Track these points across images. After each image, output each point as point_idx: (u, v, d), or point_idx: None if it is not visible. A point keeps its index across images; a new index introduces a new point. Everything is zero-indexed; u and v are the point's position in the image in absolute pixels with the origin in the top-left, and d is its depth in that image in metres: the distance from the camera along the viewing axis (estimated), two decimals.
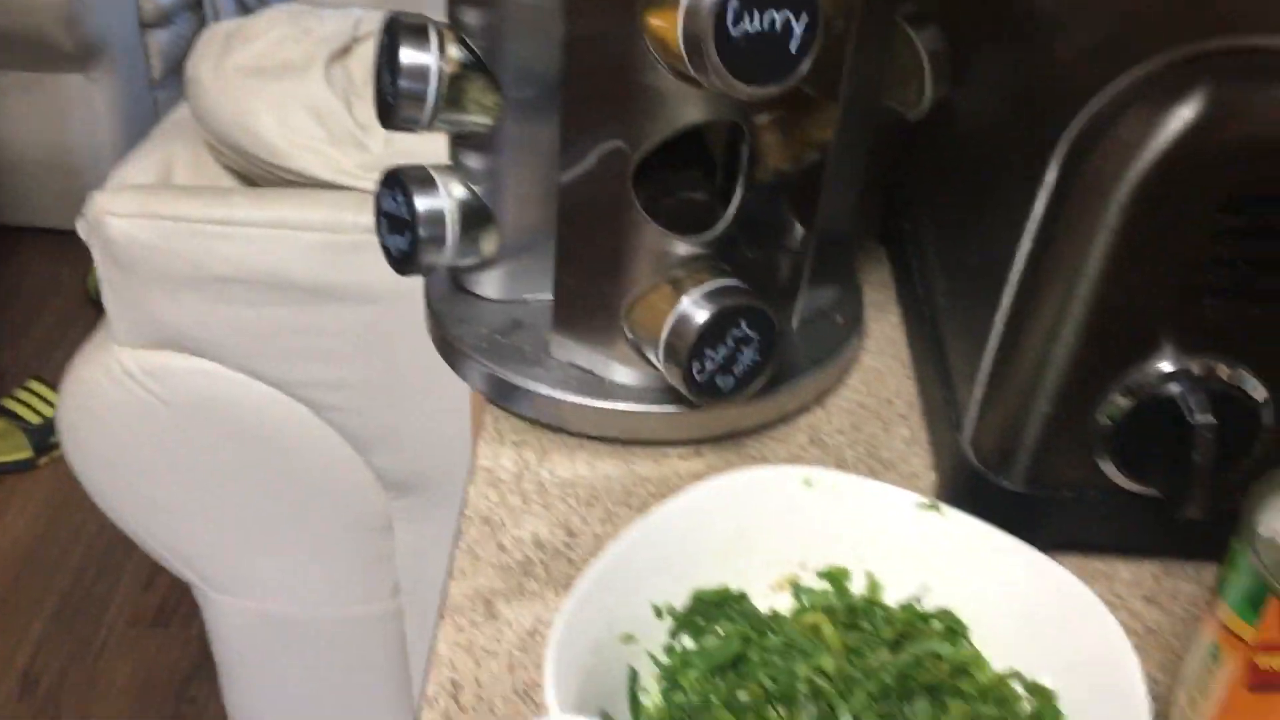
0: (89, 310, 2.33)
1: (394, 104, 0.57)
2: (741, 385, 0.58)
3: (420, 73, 0.57)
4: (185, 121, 1.32)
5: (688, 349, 0.56)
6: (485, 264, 0.64)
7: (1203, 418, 0.49)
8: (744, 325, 0.57)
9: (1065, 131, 0.49)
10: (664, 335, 0.57)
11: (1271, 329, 0.49)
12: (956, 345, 0.60)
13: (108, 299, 1.15)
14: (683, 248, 0.59)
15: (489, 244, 0.63)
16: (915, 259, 0.69)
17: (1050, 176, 0.49)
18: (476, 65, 0.58)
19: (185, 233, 1.09)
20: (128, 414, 1.20)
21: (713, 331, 0.56)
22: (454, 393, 1.04)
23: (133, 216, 1.09)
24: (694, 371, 0.57)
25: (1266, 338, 0.49)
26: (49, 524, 2.02)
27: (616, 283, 0.59)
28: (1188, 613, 0.54)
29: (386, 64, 0.57)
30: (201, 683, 1.75)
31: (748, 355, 0.58)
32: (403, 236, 0.61)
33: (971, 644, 0.50)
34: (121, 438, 1.22)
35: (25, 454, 2.08)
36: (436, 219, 0.60)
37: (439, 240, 0.61)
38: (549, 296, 0.62)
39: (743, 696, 0.47)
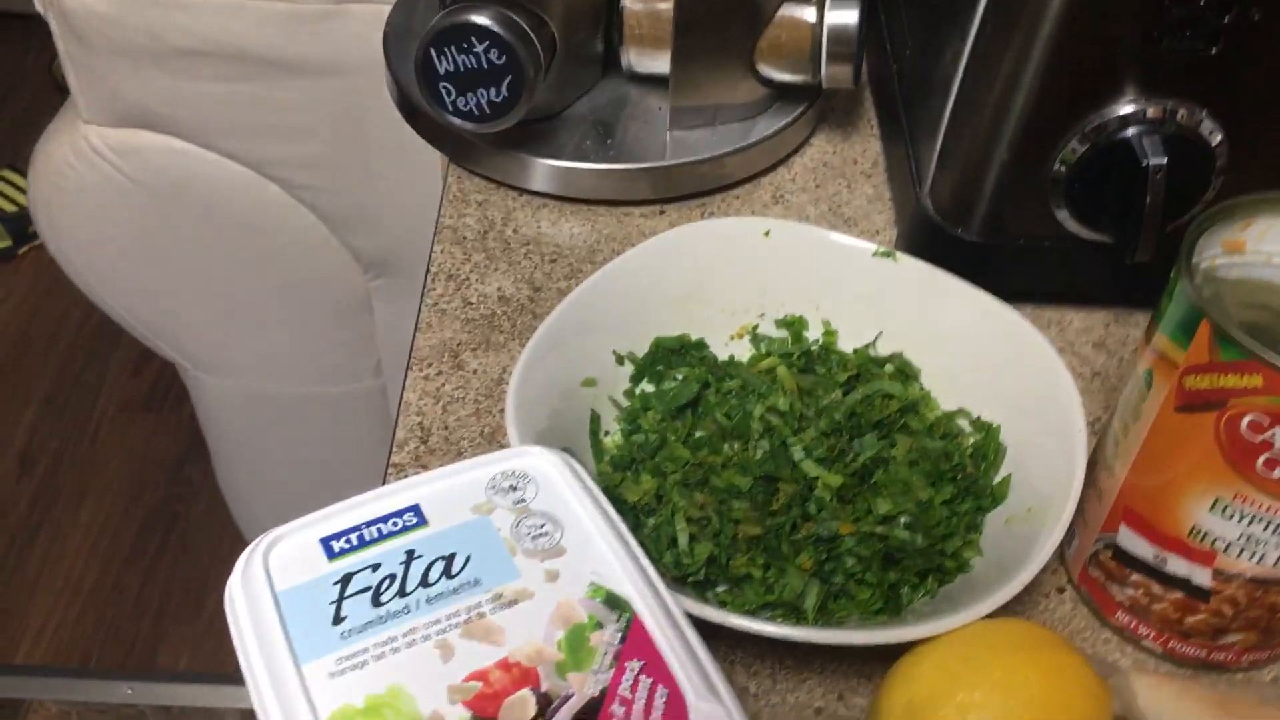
0: (57, 97, 2.27)
1: None
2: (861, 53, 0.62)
3: None
4: None
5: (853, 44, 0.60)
6: None
7: (1155, 159, 0.49)
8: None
9: None
10: (824, 45, 0.60)
11: (1228, 70, 0.49)
12: (920, 100, 0.60)
13: (70, 75, 1.12)
14: None
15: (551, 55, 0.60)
16: (882, 14, 0.68)
17: None
18: None
19: (143, 3, 1.06)
20: (99, 193, 1.19)
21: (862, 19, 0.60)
22: (427, 170, 1.04)
23: None
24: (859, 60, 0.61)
25: (1224, 80, 0.49)
26: (34, 312, 2.03)
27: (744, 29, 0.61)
28: (1135, 357, 0.56)
29: None
30: (194, 464, 1.80)
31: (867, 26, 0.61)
32: (492, 89, 0.57)
33: (921, 385, 0.52)
34: (95, 218, 1.22)
35: (4, 243, 2.07)
36: (534, 52, 0.56)
37: (539, 70, 0.57)
38: None
39: (699, 434, 0.49)
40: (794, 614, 0.44)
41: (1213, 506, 0.40)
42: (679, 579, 0.44)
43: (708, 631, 0.36)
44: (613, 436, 0.50)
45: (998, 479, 0.48)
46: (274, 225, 1.22)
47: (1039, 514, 0.44)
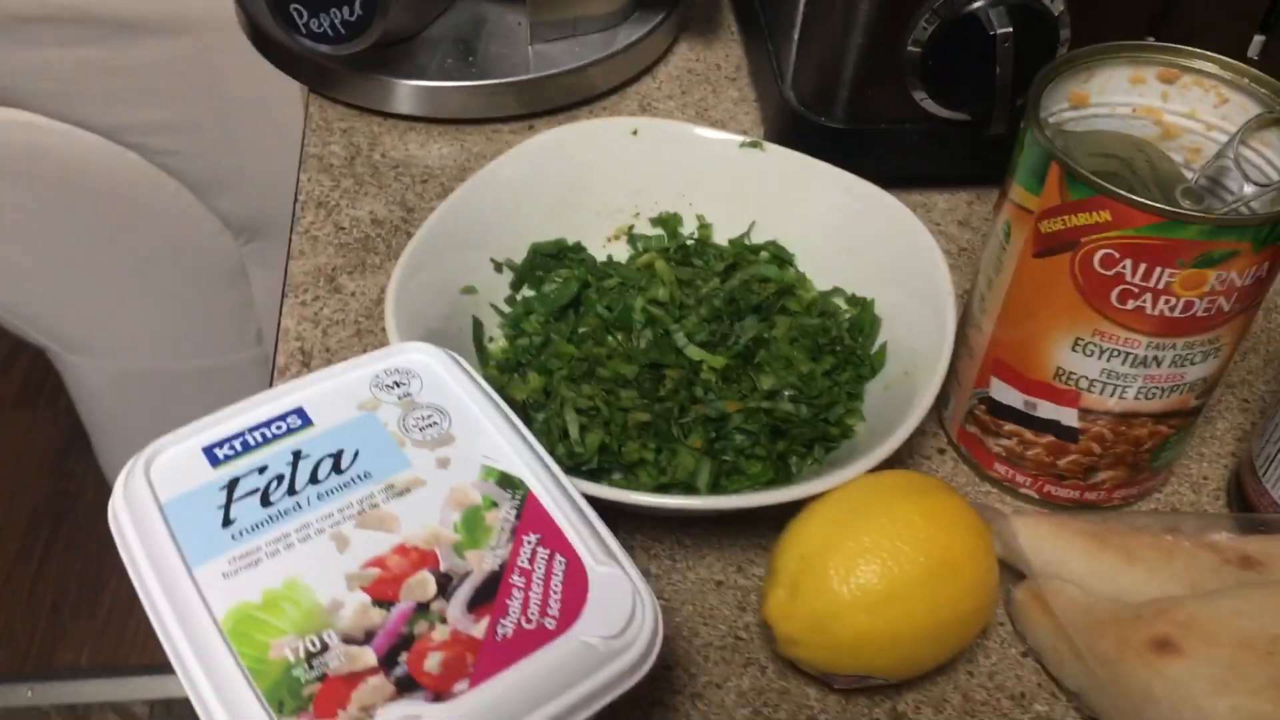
0: None
1: None
2: None
3: None
4: None
5: None
6: None
7: (1002, 29, 0.51)
8: None
9: None
10: None
11: None
12: None
13: None
14: None
15: None
16: None
17: None
18: None
19: None
20: None
21: None
22: (292, 127, 1.01)
23: None
24: None
25: None
26: None
27: None
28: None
29: None
30: (77, 456, 1.74)
31: None
32: (345, 8, 0.55)
33: (797, 269, 0.53)
34: None
35: None
36: None
37: None
38: None
39: (582, 330, 0.49)
40: (689, 493, 0.44)
41: (1074, 346, 0.42)
42: (573, 469, 0.45)
43: (605, 516, 0.37)
44: (497, 342, 0.50)
45: (875, 348, 0.49)
46: (135, 194, 1.18)
47: (914, 376, 0.46)
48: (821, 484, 0.41)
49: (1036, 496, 0.47)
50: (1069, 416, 0.44)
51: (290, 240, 0.56)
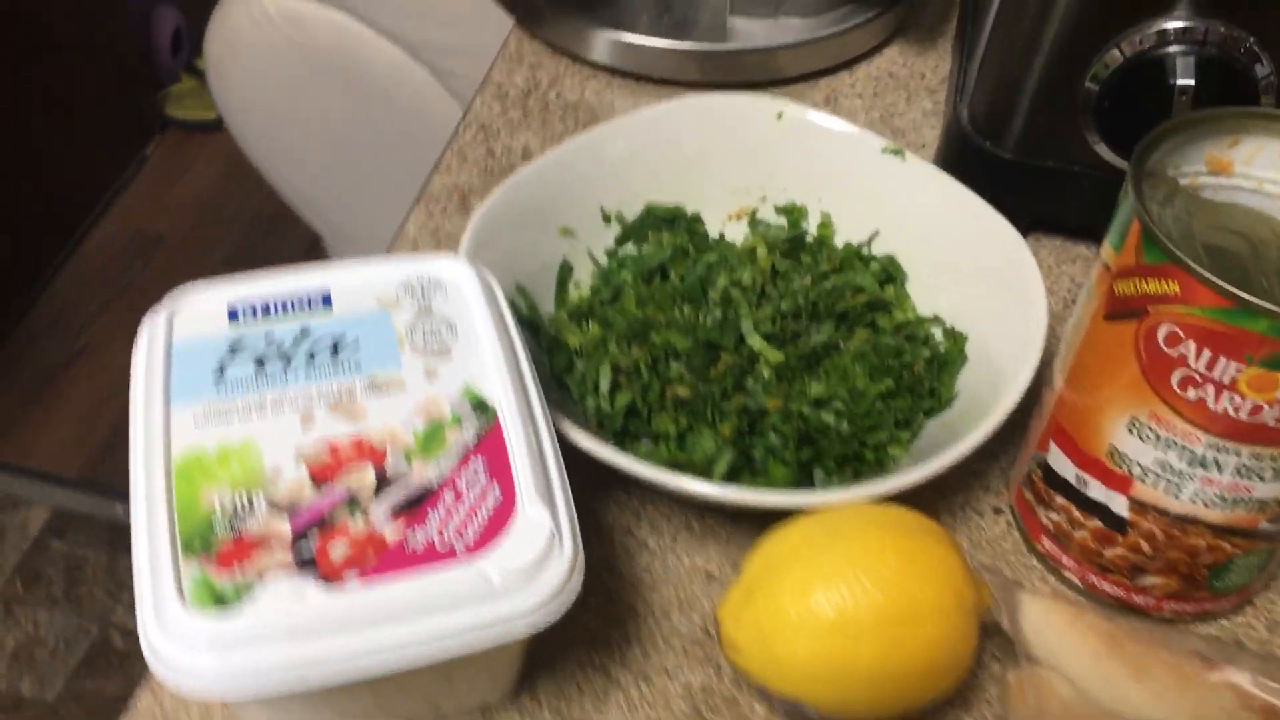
0: None
1: None
2: None
3: None
4: None
5: None
6: None
7: (1183, 79, 0.46)
8: None
9: None
10: None
11: None
12: (980, 11, 0.57)
13: None
14: None
15: None
16: None
17: None
18: None
19: None
20: (266, 57, 1.25)
21: None
22: None
23: None
24: None
25: (1265, 4, 0.45)
26: (229, 181, 2.15)
27: None
28: None
29: None
30: None
31: None
32: None
33: (904, 287, 0.50)
34: (261, 81, 1.28)
35: (213, 113, 2.20)
36: None
37: None
38: None
39: (660, 294, 0.49)
40: (704, 478, 0.43)
41: (1131, 427, 0.38)
42: (599, 425, 0.45)
43: (627, 482, 0.37)
44: (581, 289, 0.50)
45: (951, 385, 0.46)
46: (419, 108, 1.26)
47: (973, 420, 0.42)
48: (823, 497, 0.39)
49: (1079, 584, 0.43)
50: (1119, 504, 0.40)
51: (442, 154, 0.58)
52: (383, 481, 0.35)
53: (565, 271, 0.50)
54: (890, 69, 0.65)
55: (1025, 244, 0.47)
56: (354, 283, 0.41)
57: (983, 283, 0.48)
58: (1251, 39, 0.46)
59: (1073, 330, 0.40)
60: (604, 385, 0.45)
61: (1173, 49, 0.47)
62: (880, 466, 0.44)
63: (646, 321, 0.47)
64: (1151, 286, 0.35)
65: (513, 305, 0.46)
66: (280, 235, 2.09)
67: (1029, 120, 0.52)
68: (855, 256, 0.51)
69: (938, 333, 0.49)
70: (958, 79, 0.57)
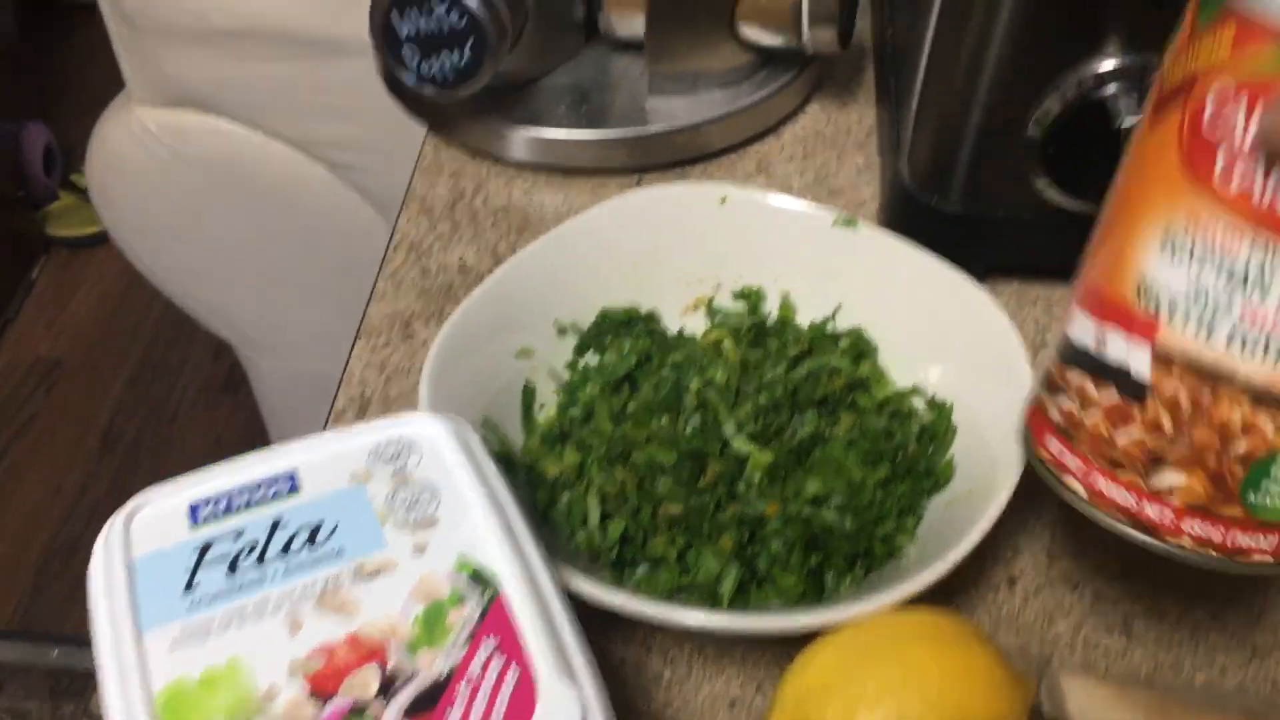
0: None
1: None
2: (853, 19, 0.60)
3: None
4: None
5: (834, 7, 0.57)
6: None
7: (1130, 121, 0.45)
8: None
9: None
10: (805, 6, 0.57)
11: None
12: (905, 61, 0.56)
13: (120, 56, 1.14)
14: None
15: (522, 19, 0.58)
16: None
17: None
18: None
19: None
20: (152, 174, 1.21)
21: None
22: None
23: None
24: (843, 24, 0.58)
25: None
26: (124, 295, 2.09)
27: None
28: None
29: None
30: (271, 444, 1.83)
31: None
32: (457, 51, 0.55)
33: (877, 361, 0.49)
34: (148, 199, 1.24)
35: (97, 227, 2.13)
36: (496, 16, 0.54)
37: (504, 35, 0.54)
38: None
39: (631, 406, 0.47)
40: (711, 598, 0.41)
41: (1164, 244, 0.32)
42: (593, 558, 0.42)
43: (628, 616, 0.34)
44: (548, 410, 0.48)
45: (944, 460, 0.44)
46: (321, 205, 1.22)
47: (978, 497, 0.41)
48: (842, 613, 0.37)
49: (1083, 494, 0.36)
50: (1140, 358, 0.34)
51: (375, 282, 0.56)
52: (389, 682, 0.32)
53: (529, 395, 0.48)
54: (816, 127, 0.64)
55: (993, 301, 0.46)
56: (320, 459, 0.38)
57: (956, 346, 0.47)
58: None
59: (1114, 190, 0.36)
60: (594, 518, 0.42)
61: (1113, 89, 0.46)
62: (891, 558, 0.42)
63: (626, 440, 0.44)
64: (1203, 53, 0.30)
65: (483, 443, 0.43)
66: (185, 345, 2.04)
67: (972, 172, 0.51)
68: (823, 335, 0.49)
69: (920, 404, 0.47)
70: (890, 133, 0.56)
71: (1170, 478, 0.34)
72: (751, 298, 0.51)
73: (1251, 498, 0.33)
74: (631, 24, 0.61)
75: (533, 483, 0.44)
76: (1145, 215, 0.32)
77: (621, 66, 0.63)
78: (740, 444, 0.44)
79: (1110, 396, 0.35)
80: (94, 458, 1.84)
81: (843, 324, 0.50)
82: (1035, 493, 0.39)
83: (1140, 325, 0.33)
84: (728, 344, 0.48)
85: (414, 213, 0.59)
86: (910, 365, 0.48)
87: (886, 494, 0.43)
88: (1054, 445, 0.37)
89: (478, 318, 0.46)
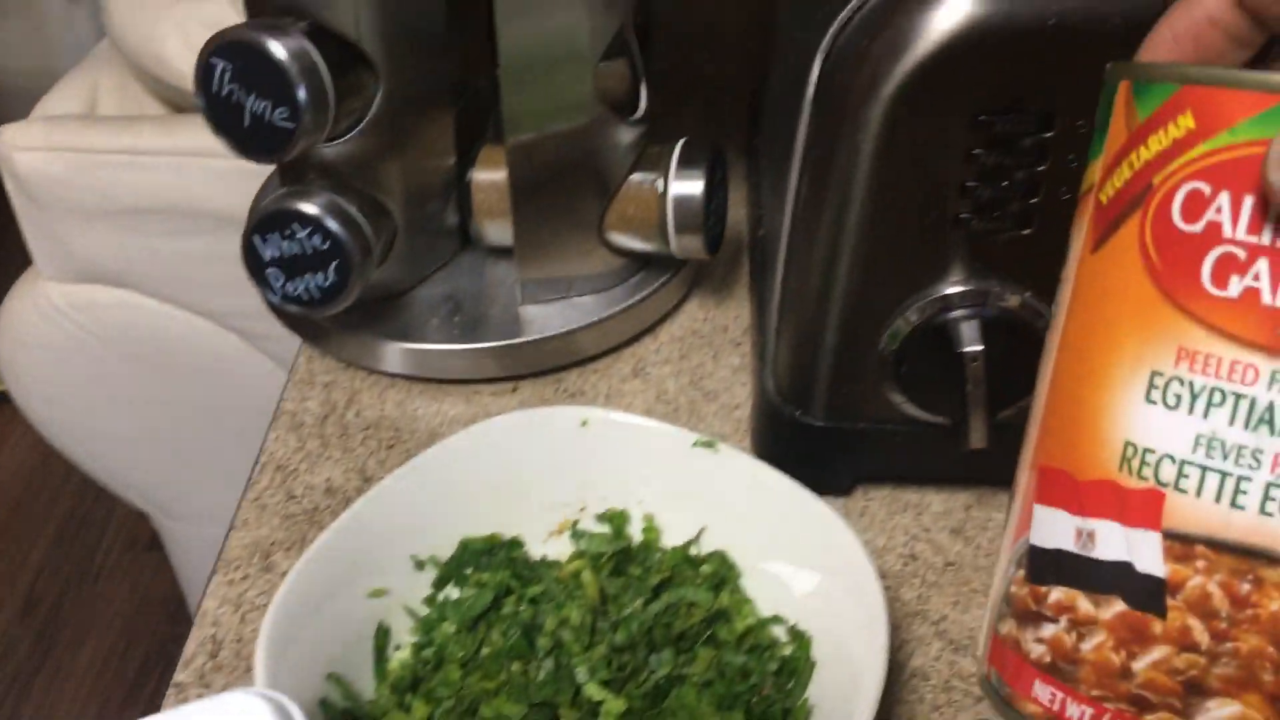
0: None
1: (294, 128, 0.50)
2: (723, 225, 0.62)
3: (314, 80, 0.50)
4: (111, 48, 1.30)
5: (699, 215, 0.58)
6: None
7: (971, 346, 0.46)
8: (719, 168, 0.60)
9: (824, 42, 0.45)
10: (669, 215, 0.58)
11: (1047, 250, 0.45)
12: (768, 272, 0.57)
13: (27, 234, 1.14)
14: (628, 134, 0.59)
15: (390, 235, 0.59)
16: (756, 175, 0.66)
17: (809, 92, 0.46)
18: (345, 46, 0.53)
19: (92, 164, 1.07)
20: (61, 349, 1.20)
21: (709, 190, 0.59)
22: None
23: (39, 150, 1.07)
24: (709, 231, 0.59)
25: (1043, 260, 0.46)
26: (45, 454, 2.05)
27: (590, 200, 0.59)
28: (993, 543, 0.52)
29: (251, 88, 0.50)
30: (190, 606, 1.79)
31: (722, 197, 0.62)
32: (321, 273, 0.55)
33: (739, 588, 0.48)
34: (58, 373, 1.22)
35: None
36: (360, 236, 0.54)
37: (369, 254, 0.55)
38: None
39: (485, 651, 0.45)
40: None
41: (1150, 392, 0.26)
42: None
43: None
44: (403, 652, 0.47)
45: (802, 699, 0.44)
46: (234, 373, 1.22)
47: None
48: None
49: None
50: (1148, 551, 0.26)
51: (238, 507, 0.55)
52: None
53: (382, 637, 0.46)
54: (693, 326, 0.64)
55: (848, 530, 0.46)
56: None
57: (815, 571, 0.46)
58: (1027, 292, 0.47)
59: (1053, 329, 0.31)
60: None
61: (956, 314, 0.47)
62: None
63: (474, 691, 0.43)
64: (1154, 145, 0.26)
65: (324, 704, 0.42)
66: (108, 500, 1.99)
67: (833, 388, 0.51)
68: (685, 560, 0.48)
69: (781, 632, 0.46)
70: (758, 343, 0.57)
71: (1218, 710, 0.26)
72: (616, 520, 0.50)
73: None
74: (501, 232, 0.61)
75: None
76: (1114, 362, 0.26)
77: (497, 273, 0.64)
78: (593, 690, 0.43)
79: (1113, 609, 0.27)
80: (15, 621, 1.79)
81: (708, 546, 0.49)
82: None
83: (1139, 505, 0.26)
84: (587, 575, 0.47)
85: (282, 430, 0.58)
86: (773, 590, 0.48)
87: None
88: (1044, 692, 0.29)
89: (324, 565, 0.45)
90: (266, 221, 0.55)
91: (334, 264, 0.55)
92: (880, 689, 0.40)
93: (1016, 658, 0.29)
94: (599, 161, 0.58)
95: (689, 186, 0.58)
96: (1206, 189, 0.24)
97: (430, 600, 0.48)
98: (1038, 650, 0.29)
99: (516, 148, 0.57)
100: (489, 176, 0.61)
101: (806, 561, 0.47)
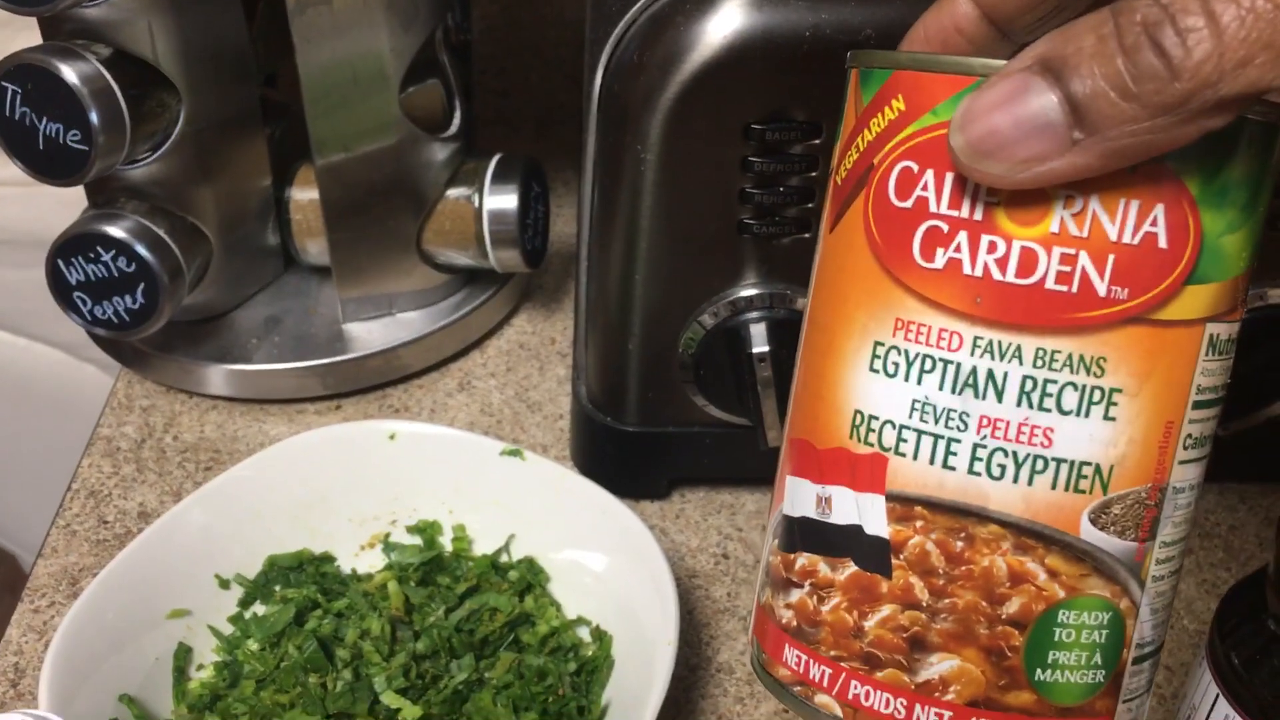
0: None
1: (89, 150, 0.49)
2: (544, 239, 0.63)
3: (107, 102, 0.49)
4: None
5: (514, 228, 0.59)
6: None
7: (758, 347, 0.47)
8: (535, 182, 0.61)
9: (603, 55, 0.46)
10: (485, 229, 0.59)
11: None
12: (579, 293, 0.58)
13: None
14: (441, 151, 0.59)
15: (205, 257, 0.59)
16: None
17: (593, 104, 0.47)
18: (145, 68, 0.53)
19: None
20: None
21: (524, 204, 0.60)
22: None
23: None
24: (526, 245, 0.60)
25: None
26: None
27: (405, 217, 0.59)
28: None
29: (43, 111, 0.49)
30: None
31: (541, 211, 0.62)
32: (129, 295, 0.54)
33: (546, 592, 0.49)
34: None
35: None
36: (169, 257, 0.54)
37: (179, 276, 0.55)
38: None
39: (285, 664, 0.45)
40: None
41: (873, 363, 0.27)
42: None
43: None
44: (204, 672, 0.47)
45: (599, 696, 0.44)
46: (93, 406, 1.19)
47: None
48: None
49: (840, 713, 0.28)
50: (874, 514, 0.27)
51: (47, 535, 0.54)
52: None
53: (181, 657, 0.46)
54: (520, 339, 0.65)
55: (645, 530, 0.47)
56: None
57: (619, 573, 0.47)
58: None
59: (805, 311, 0.31)
60: None
61: (746, 316, 0.48)
62: None
63: (269, 706, 0.43)
64: (875, 127, 0.27)
65: None
66: None
67: (640, 393, 0.52)
68: (492, 568, 0.49)
69: (585, 633, 0.47)
70: (576, 352, 0.58)
71: (939, 664, 0.27)
72: (427, 531, 0.51)
73: (1039, 674, 0.27)
74: (321, 251, 0.61)
75: None
76: (845, 336, 0.28)
77: (322, 292, 0.64)
78: (390, 699, 0.43)
79: (847, 572, 0.28)
80: None
81: (518, 552, 0.50)
82: None
83: (865, 470, 0.27)
84: (392, 586, 0.48)
85: (97, 455, 0.57)
86: (578, 593, 0.48)
87: None
88: (791, 656, 0.29)
89: (118, 588, 0.44)
90: (70, 245, 0.54)
91: (141, 286, 0.54)
92: (667, 680, 0.41)
93: (772, 625, 0.30)
94: (412, 179, 0.58)
95: (503, 200, 0.59)
96: (915, 167, 0.26)
97: (235, 619, 0.48)
98: (786, 615, 0.30)
99: (326, 169, 0.57)
100: (306, 195, 0.61)
101: (608, 558, 0.48)
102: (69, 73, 0.49)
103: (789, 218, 0.46)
